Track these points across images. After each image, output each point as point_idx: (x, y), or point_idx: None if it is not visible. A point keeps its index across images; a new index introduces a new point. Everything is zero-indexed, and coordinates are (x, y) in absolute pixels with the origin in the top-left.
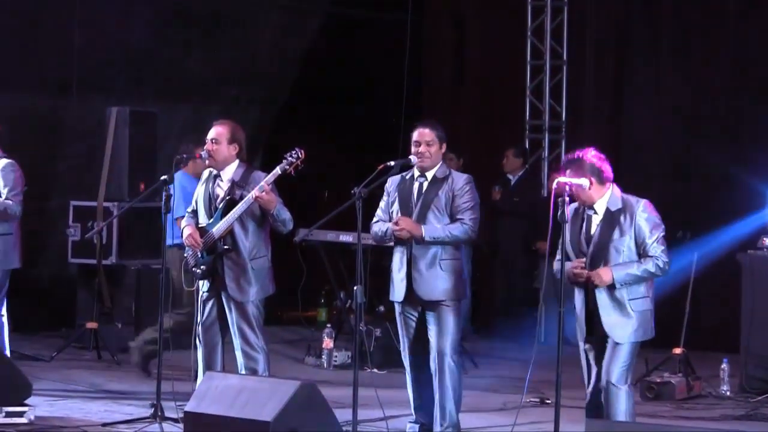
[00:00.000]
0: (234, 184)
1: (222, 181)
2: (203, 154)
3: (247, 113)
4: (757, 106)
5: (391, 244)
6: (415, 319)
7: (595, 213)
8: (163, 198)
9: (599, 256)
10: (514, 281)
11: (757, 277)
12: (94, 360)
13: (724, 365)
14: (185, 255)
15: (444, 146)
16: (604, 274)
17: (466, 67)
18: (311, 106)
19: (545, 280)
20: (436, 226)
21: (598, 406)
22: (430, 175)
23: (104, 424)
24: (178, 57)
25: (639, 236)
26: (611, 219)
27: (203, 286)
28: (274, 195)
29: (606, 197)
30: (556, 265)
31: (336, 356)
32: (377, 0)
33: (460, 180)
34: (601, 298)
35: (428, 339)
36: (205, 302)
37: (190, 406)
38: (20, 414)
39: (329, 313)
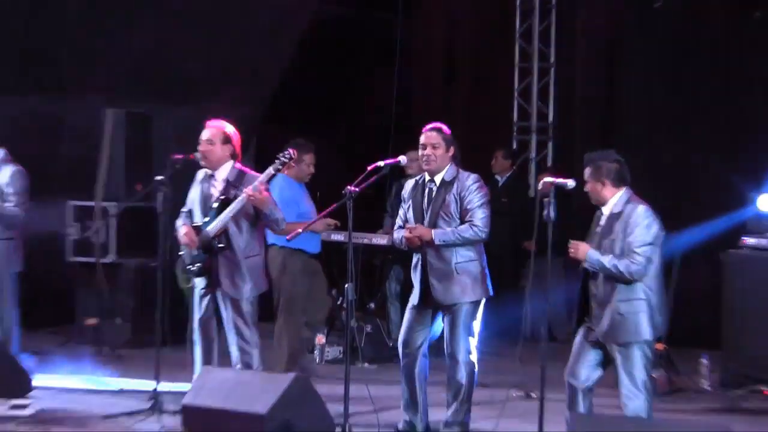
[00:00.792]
0: (228, 184)
1: (216, 181)
2: (197, 155)
3: (239, 113)
4: (744, 110)
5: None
6: (428, 317)
7: (602, 213)
8: (161, 198)
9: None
10: (501, 280)
11: (738, 275)
12: (94, 355)
13: (704, 360)
14: (180, 253)
15: (452, 149)
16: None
17: (456, 68)
18: (302, 105)
19: (531, 278)
20: (446, 230)
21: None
22: (438, 179)
23: (105, 416)
24: (174, 58)
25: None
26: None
27: (199, 283)
28: (267, 194)
29: (615, 199)
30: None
31: (328, 351)
32: None
33: (467, 180)
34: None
35: (442, 338)
36: (201, 299)
37: (188, 399)
38: (23, 406)
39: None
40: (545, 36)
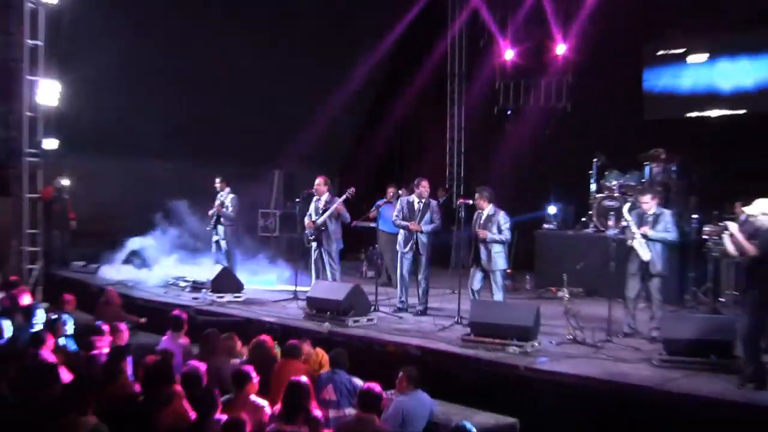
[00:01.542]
0: (326, 202)
1: (320, 200)
2: (313, 190)
3: (327, 169)
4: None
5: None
6: (410, 259)
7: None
8: (299, 207)
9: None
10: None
11: (541, 240)
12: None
13: (528, 277)
14: (306, 231)
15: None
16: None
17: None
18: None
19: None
20: (428, 225)
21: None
22: (422, 200)
23: (274, 301)
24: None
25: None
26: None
27: (314, 244)
28: (342, 207)
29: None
30: None
31: (367, 273)
32: None
33: (432, 203)
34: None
35: (417, 270)
36: (314, 251)
37: (309, 293)
38: (239, 296)
39: (367, 256)
40: None
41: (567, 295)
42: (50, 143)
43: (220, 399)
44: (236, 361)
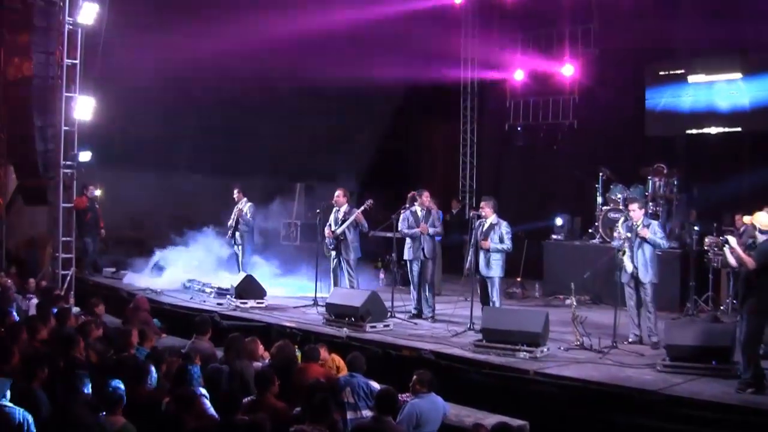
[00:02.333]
0: (345, 213)
1: (340, 211)
2: (333, 202)
3: (348, 182)
4: None
5: (412, 235)
6: (418, 266)
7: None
8: (319, 218)
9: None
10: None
11: (549, 249)
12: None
13: (537, 285)
14: (325, 240)
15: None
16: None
17: None
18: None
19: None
20: (434, 228)
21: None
22: (423, 208)
23: (295, 307)
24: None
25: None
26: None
27: (334, 253)
28: (361, 217)
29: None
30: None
31: (384, 280)
32: None
33: (433, 211)
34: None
35: (425, 275)
36: (333, 259)
37: (329, 300)
38: (262, 302)
39: (383, 263)
40: None
41: (574, 303)
42: (84, 156)
43: (243, 401)
44: (258, 364)
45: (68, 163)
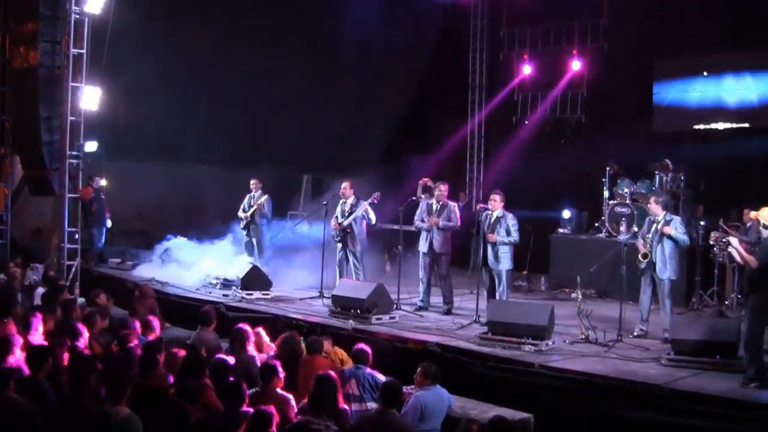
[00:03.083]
0: (352, 205)
1: (346, 203)
2: (339, 193)
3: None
4: None
5: (423, 228)
6: (428, 260)
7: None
8: (325, 209)
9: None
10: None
11: (555, 244)
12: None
13: (543, 278)
14: (332, 233)
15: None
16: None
17: None
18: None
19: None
20: (445, 222)
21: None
22: (439, 202)
23: (300, 298)
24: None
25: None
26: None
27: (340, 244)
28: (369, 209)
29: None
30: None
31: (390, 272)
32: None
33: (451, 204)
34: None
35: (437, 270)
36: (340, 251)
37: (335, 292)
38: (268, 293)
39: (390, 255)
40: None
41: (580, 297)
42: (91, 146)
43: (248, 392)
44: (264, 356)
45: (74, 153)
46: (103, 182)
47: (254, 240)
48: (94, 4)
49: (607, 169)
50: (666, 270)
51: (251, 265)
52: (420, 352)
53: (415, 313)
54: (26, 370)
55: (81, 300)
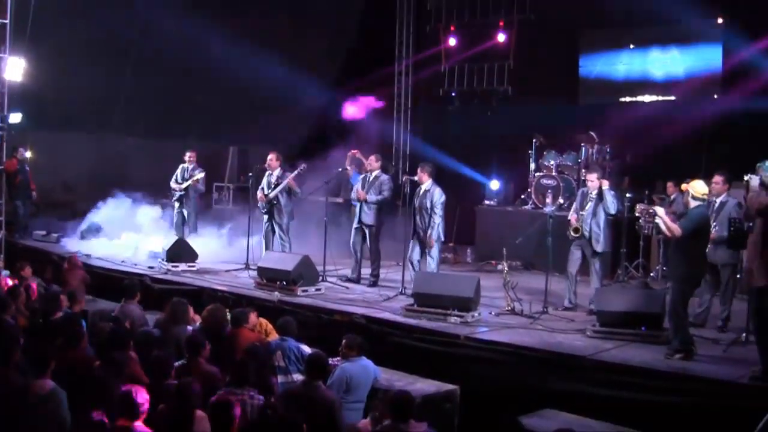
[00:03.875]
0: (278, 177)
1: (273, 175)
2: (266, 165)
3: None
4: None
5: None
6: (358, 234)
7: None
8: (252, 181)
9: None
10: None
11: (481, 215)
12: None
13: (468, 250)
14: (258, 205)
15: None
16: None
17: None
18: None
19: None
20: (373, 196)
21: None
22: (371, 173)
23: (227, 270)
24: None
25: None
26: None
27: (266, 216)
28: (293, 182)
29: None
30: None
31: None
32: None
33: (383, 177)
34: None
35: (367, 243)
36: (266, 223)
37: (260, 264)
38: (193, 265)
39: None
40: None
41: (506, 268)
42: (15, 117)
43: (174, 364)
44: (189, 328)
45: None
46: (28, 154)
47: (185, 212)
48: None
49: (534, 141)
50: (599, 243)
51: (176, 237)
52: (346, 324)
53: (342, 285)
54: None
55: (5, 272)
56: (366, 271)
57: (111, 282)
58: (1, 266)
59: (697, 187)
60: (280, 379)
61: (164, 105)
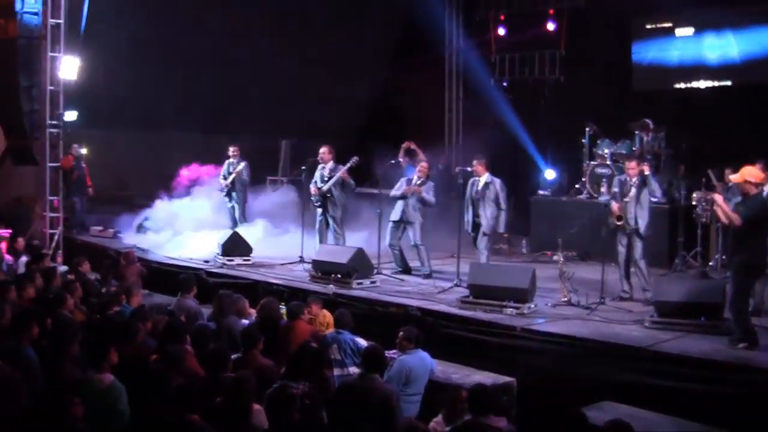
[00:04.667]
0: (330, 170)
1: (325, 168)
2: (318, 158)
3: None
4: None
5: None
6: (398, 229)
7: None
8: (305, 175)
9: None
10: None
11: (536, 207)
12: None
13: (524, 241)
14: (311, 198)
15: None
16: None
17: None
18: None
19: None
20: (428, 195)
21: None
22: (422, 176)
23: (281, 264)
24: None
25: None
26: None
27: (319, 209)
28: (346, 174)
29: None
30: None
31: None
32: None
33: (429, 182)
34: None
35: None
36: (319, 215)
37: (315, 256)
38: (248, 259)
39: None
40: None
41: (562, 259)
42: (70, 115)
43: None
44: (245, 321)
45: (54, 122)
46: (83, 150)
47: (235, 206)
48: None
49: (587, 129)
50: (643, 227)
51: (231, 231)
52: (401, 316)
53: (396, 277)
54: None
55: (63, 268)
56: (415, 264)
57: (167, 276)
58: (60, 262)
59: (751, 173)
60: (336, 372)
61: (215, 101)
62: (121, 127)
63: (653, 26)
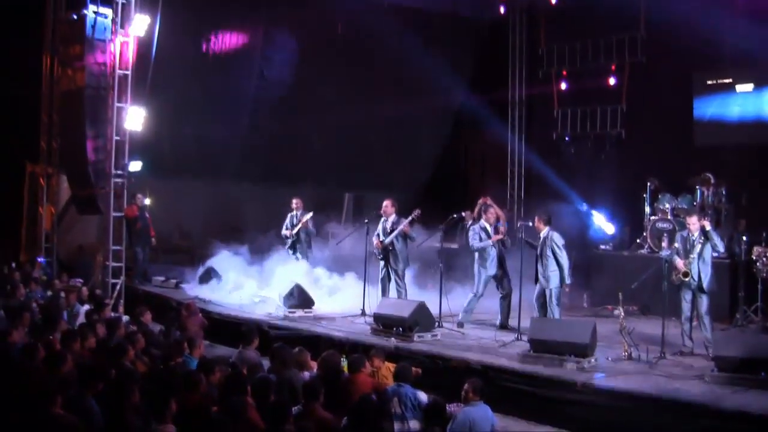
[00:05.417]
0: (393, 223)
1: (387, 221)
2: (382, 211)
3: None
4: None
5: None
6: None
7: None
8: (366, 228)
9: None
10: None
11: (595, 259)
12: None
13: (585, 296)
14: (374, 251)
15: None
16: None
17: None
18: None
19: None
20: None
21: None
22: (491, 225)
23: (343, 317)
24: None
25: None
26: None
27: (382, 263)
28: (408, 227)
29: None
30: None
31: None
32: None
33: (500, 223)
34: None
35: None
36: (382, 269)
37: (376, 310)
38: (311, 311)
39: None
40: None
41: (622, 313)
42: (135, 165)
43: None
44: (306, 374)
45: (119, 172)
46: (147, 201)
47: (301, 258)
48: (139, 26)
49: (648, 184)
50: (707, 282)
51: (294, 283)
52: (462, 370)
53: (457, 331)
54: None
55: (125, 318)
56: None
57: (228, 327)
58: (121, 312)
59: None
60: (396, 426)
61: (278, 151)
62: (184, 176)
63: (714, 82)
